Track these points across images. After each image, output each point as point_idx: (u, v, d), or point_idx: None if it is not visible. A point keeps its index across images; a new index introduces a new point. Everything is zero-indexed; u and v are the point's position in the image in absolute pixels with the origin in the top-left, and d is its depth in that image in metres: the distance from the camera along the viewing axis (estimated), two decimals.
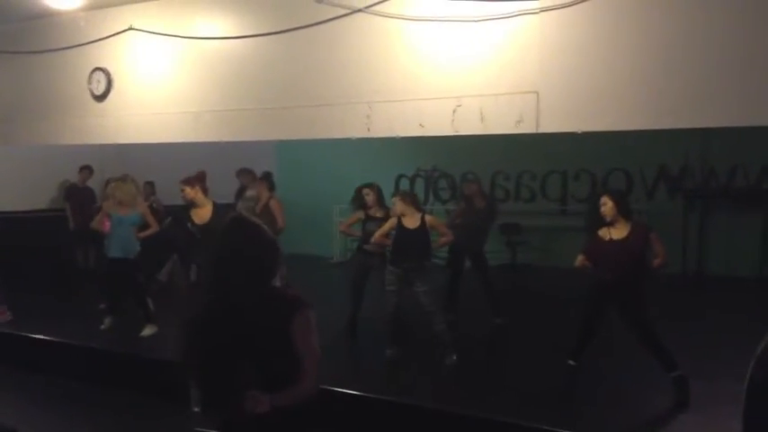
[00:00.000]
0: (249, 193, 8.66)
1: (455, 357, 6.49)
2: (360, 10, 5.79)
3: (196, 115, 6.86)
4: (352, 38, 5.91)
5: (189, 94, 6.92)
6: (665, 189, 11.96)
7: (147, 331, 7.64)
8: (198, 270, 6.72)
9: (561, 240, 11.92)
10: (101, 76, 7.49)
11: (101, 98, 7.53)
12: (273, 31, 6.28)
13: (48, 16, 7.68)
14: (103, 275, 8.26)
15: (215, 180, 7.66)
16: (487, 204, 8.52)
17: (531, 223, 12.51)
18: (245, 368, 2.66)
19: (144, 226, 7.78)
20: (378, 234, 6.89)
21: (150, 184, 10.57)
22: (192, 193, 6.80)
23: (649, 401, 5.52)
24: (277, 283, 3.00)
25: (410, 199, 6.77)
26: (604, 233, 5.63)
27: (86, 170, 10.76)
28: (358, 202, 7.58)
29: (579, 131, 5.03)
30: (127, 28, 7.25)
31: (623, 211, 5.58)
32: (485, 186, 12.38)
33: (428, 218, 6.71)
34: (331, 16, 5.94)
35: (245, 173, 9.43)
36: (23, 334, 7.72)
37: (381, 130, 5.85)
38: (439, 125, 5.54)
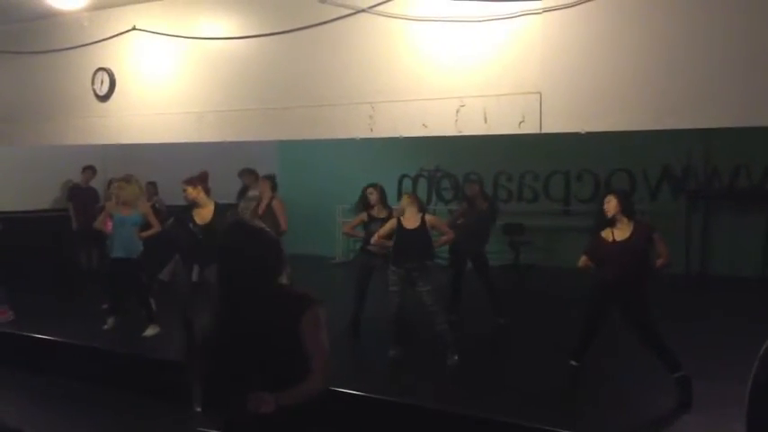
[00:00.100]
0: (251, 193, 8.68)
1: (457, 357, 6.49)
2: (363, 10, 5.79)
3: (199, 115, 6.86)
4: (356, 38, 5.91)
5: (192, 94, 6.93)
6: (669, 189, 11.95)
7: (150, 331, 7.65)
8: (200, 270, 6.71)
9: (564, 241, 11.92)
10: (104, 77, 7.49)
11: (104, 98, 7.53)
12: (277, 31, 6.28)
13: (51, 16, 7.69)
14: (106, 275, 8.28)
15: (218, 180, 7.67)
16: (489, 205, 8.52)
17: (533, 224, 12.50)
18: (253, 368, 2.67)
19: (146, 226, 7.79)
20: (377, 235, 6.90)
21: (153, 185, 10.58)
22: (194, 193, 6.80)
23: (652, 402, 5.51)
24: (284, 281, 3.00)
25: (417, 200, 6.79)
26: (607, 234, 5.63)
27: (89, 170, 10.78)
28: (363, 202, 7.61)
29: (582, 132, 5.03)
30: (130, 28, 7.25)
31: (627, 211, 5.58)
32: (487, 187, 12.41)
33: (428, 217, 6.71)
34: (334, 16, 5.94)
35: (247, 173, 9.44)
36: (26, 334, 7.73)
37: (384, 130, 5.85)
38: (442, 125, 5.54)
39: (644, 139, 10.06)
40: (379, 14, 5.72)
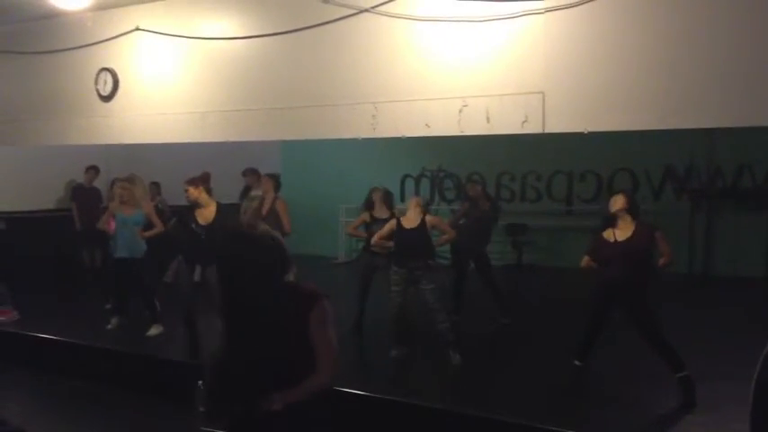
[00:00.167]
0: (254, 192, 8.68)
1: (459, 357, 6.49)
2: (366, 10, 5.80)
3: (202, 115, 6.87)
4: (358, 38, 5.91)
5: (195, 94, 6.93)
6: (672, 189, 11.94)
7: (153, 331, 7.67)
8: (202, 270, 6.72)
9: (567, 241, 11.92)
10: (107, 77, 7.51)
11: (107, 98, 7.55)
12: (280, 31, 6.29)
13: (54, 16, 7.70)
14: (109, 275, 8.30)
15: (221, 180, 7.67)
16: (491, 205, 8.52)
17: (536, 224, 12.51)
18: (261, 365, 2.68)
19: (149, 226, 7.80)
20: (377, 236, 6.93)
21: (156, 185, 10.59)
22: (196, 193, 6.81)
23: (655, 402, 5.51)
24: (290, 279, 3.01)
25: (421, 202, 6.81)
26: (609, 234, 5.63)
27: (93, 170, 10.78)
28: (368, 202, 7.65)
29: (585, 131, 5.03)
30: (133, 28, 7.26)
31: (632, 210, 5.57)
32: (490, 187, 12.43)
33: (429, 218, 6.71)
34: (337, 16, 5.95)
35: (250, 172, 9.45)
36: (30, 333, 7.74)
37: (387, 130, 5.86)
38: (445, 125, 5.54)
39: (647, 138, 10.05)
40: (381, 14, 5.73)
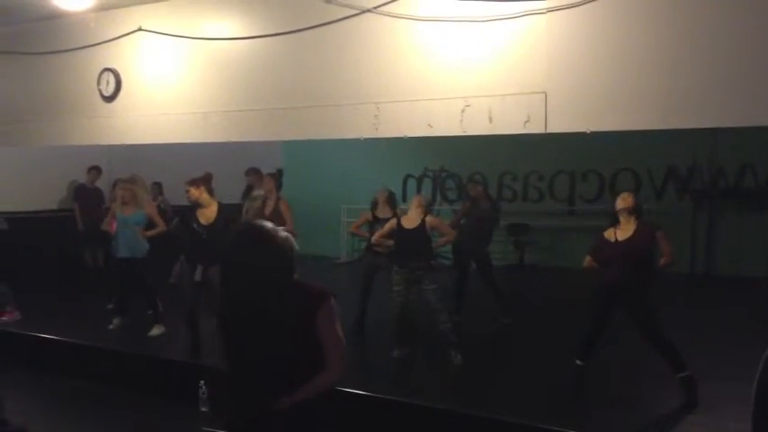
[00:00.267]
0: (256, 192, 8.68)
1: (460, 357, 6.49)
2: (368, 10, 5.80)
3: (205, 116, 6.88)
4: (361, 38, 5.92)
5: (197, 94, 6.94)
6: (674, 189, 11.93)
7: (155, 331, 7.68)
8: (203, 270, 6.73)
9: (569, 241, 11.92)
10: (110, 77, 7.52)
11: (110, 99, 7.56)
12: (282, 31, 6.30)
13: (57, 17, 7.71)
14: (111, 275, 8.31)
15: (223, 180, 7.68)
16: (492, 206, 8.51)
17: (538, 224, 12.51)
18: (270, 368, 2.68)
19: (150, 225, 7.82)
20: (377, 235, 6.97)
21: (158, 185, 10.60)
22: (197, 193, 6.82)
23: (657, 402, 5.51)
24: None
25: (424, 202, 6.80)
26: (610, 234, 5.63)
27: (95, 170, 10.79)
28: (374, 203, 7.68)
29: (587, 131, 5.02)
30: (136, 29, 7.27)
31: (636, 210, 5.56)
32: (492, 187, 12.43)
33: (429, 218, 6.69)
34: (339, 17, 5.95)
35: (252, 172, 9.45)
36: (32, 333, 7.75)
37: (389, 130, 5.86)
38: (447, 125, 5.54)
39: (649, 138, 10.04)
40: (384, 14, 5.73)
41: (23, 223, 10.39)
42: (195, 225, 6.80)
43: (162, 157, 10.21)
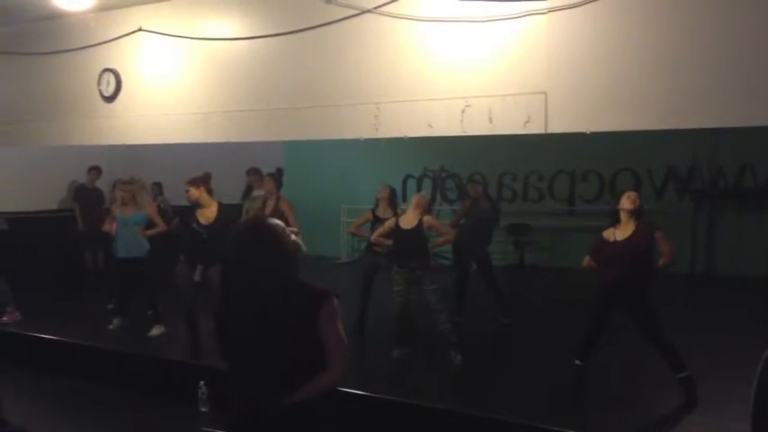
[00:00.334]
0: (256, 192, 8.68)
1: (460, 357, 6.49)
2: (368, 10, 5.81)
3: (205, 116, 6.88)
4: (361, 38, 5.92)
5: (198, 94, 6.95)
6: (674, 189, 11.93)
7: (155, 331, 7.69)
8: (203, 270, 6.74)
9: (569, 241, 11.92)
10: (110, 77, 7.52)
11: (110, 99, 7.56)
12: (282, 31, 6.30)
13: (57, 17, 7.72)
14: (111, 276, 8.32)
15: (223, 180, 7.68)
16: (492, 206, 8.51)
17: (538, 224, 12.51)
18: (269, 367, 2.68)
19: (150, 226, 7.83)
20: (375, 234, 6.98)
21: (158, 185, 10.60)
22: (197, 193, 6.82)
23: (656, 402, 5.51)
24: None
25: (423, 201, 6.78)
26: (609, 234, 5.63)
27: (95, 171, 10.79)
28: (376, 202, 7.69)
29: (587, 131, 5.03)
30: (136, 29, 7.28)
31: (639, 212, 5.55)
32: (492, 187, 12.43)
33: (426, 218, 6.67)
34: (340, 17, 5.96)
35: (252, 172, 9.45)
36: (31, 334, 7.76)
37: (389, 130, 5.86)
38: (447, 125, 5.55)
39: (649, 138, 10.04)
40: (384, 15, 5.73)
41: (24, 223, 10.39)
42: (195, 225, 6.81)
43: (162, 157, 10.22)
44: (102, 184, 10.92)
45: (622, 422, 5.20)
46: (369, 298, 7.56)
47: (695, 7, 4.63)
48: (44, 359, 7.44)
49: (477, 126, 5.41)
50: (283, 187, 7.94)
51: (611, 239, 5.58)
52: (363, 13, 5.84)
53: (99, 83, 7.59)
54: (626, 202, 5.54)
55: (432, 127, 5.63)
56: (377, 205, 7.64)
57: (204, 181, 6.93)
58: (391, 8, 5.70)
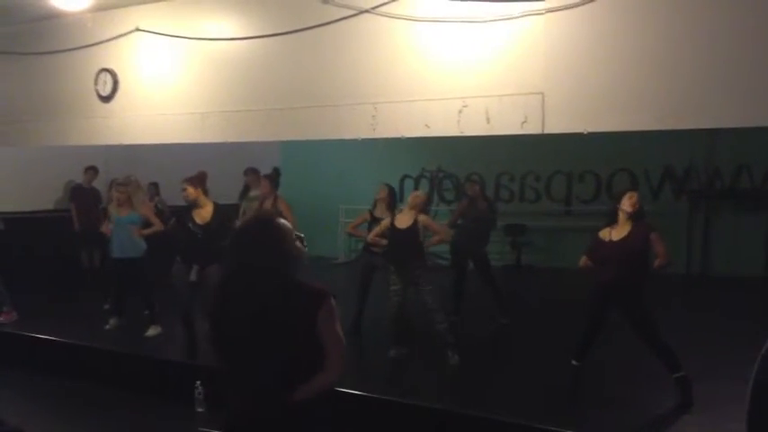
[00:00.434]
0: (253, 192, 8.67)
1: (457, 357, 6.50)
2: (366, 11, 5.81)
3: (202, 116, 6.88)
4: (359, 39, 5.92)
5: (195, 94, 6.94)
6: (670, 189, 11.95)
7: (151, 332, 7.68)
8: (199, 270, 6.74)
9: (565, 241, 11.92)
10: (107, 77, 7.51)
11: (107, 99, 7.55)
12: (280, 32, 6.30)
13: (54, 17, 7.70)
14: (107, 276, 8.32)
15: (221, 181, 7.67)
16: (488, 206, 8.50)
17: (535, 224, 12.52)
18: (267, 367, 2.68)
19: (146, 225, 7.82)
20: (371, 234, 6.98)
21: (155, 185, 10.59)
22: (195, 193, 6.83)
23: (652, 402, 5.52)
24: None
25: (419, 200, 6.77)
26: (605, 234, 5.64)
27: (91, 171, 10.77)
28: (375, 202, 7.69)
29: (585, 132, 5.03)
30: (133, 29, 7.27)
31: (638, 215, 5.55)
32: (489, 187, 12.43)
33: (421, 217, 6.66)
34: (337, 17, 5.95)
35: (250, 172, 9.44)
36: (28, 334, 7.74)
37: (387, 130, 5.86)
38: (445, 126, 5.55)
39: (646, 139, 10.06)
40: (381, 15, 5.74)
41: (20, 223, 10.37)
42: (190, 225, 6.80)
43: (159, 157, 10.20)
44: (99, 184, 10.91)
45: (619, 422, 5.21)
46: (366, 298, 7.57)
47: (693, 8, 4.64)
48: (40, 359, 7.43)
49: (475, 126, 5.41)
50: (280, 187, 7.93)
51: (607, 239, 5.59)
52: (361, 13, 5.84)
53: (96, 83, 7.58)
54: (626, 204, 5.53)
55: (429, 127, 5.63)
56: (375, 206, 7.64)
57: (200, 180, 6.94)
58: (388, 8, 5.70)
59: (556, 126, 5.12)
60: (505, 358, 7.18)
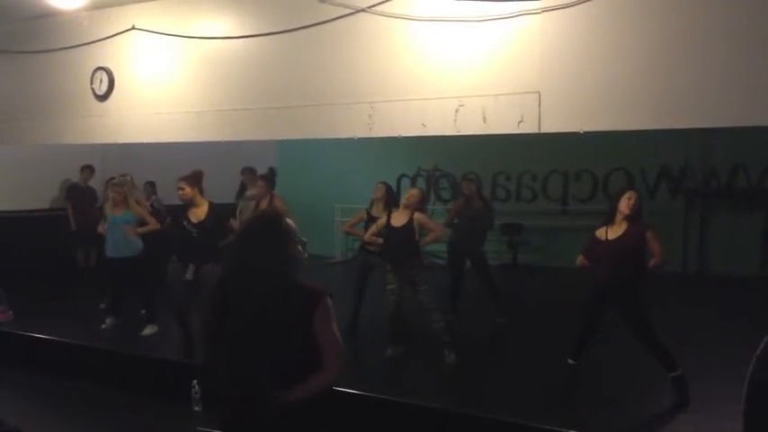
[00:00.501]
0: (249, 192, 8.67)
1: (454, 356, 6.50)
2: (362, 10, 5.80)
3: (198, 115, 6.87)
4: (355, 38, 5.91)
5: (191, 93, 6.93)
6: (667, 189, 11.96)
7: (148, 331, 7.67)
8: (195, 269, 6.73)
9: (562, 240, 11.93)
10: (103, 76, 7.50)
11: (103, 97, 7.54)
12: (276, 30, 6.29)
13: (51, 16, 7.69)
14: (103, 275, 8.31)
15: (217, 180, 7.66)
16: (484, 205, 8.50)
17: (532, 223, 12.53)
18: (264, 366, 2.68)
19: (141, 224, 7.81)
20: (368, 233, 6.99)
21: (151, 184, 10.57)
22: (192, 192, 6.82)
23: (649, 401, 5.53)
24: None
25: (415, 199, 6.75)
26: (601, 233, 5.64)
27: (88, 169, 10.76)
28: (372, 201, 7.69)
29: (581, 131, 5.03)
30: (129, 28, 7.26)
31: (635, 217, 5.54)
32: (486, 186, 12.43)
33: (417, 215, 6.65)
34: (333, 16, 5.95)
35: (247, 171, 9.45)
36: (25, 333, 7.73)
37: (383, 129, 5.86)
38: (441, 125, 5.55)
39: (642, 138, 10.06)
40: (378, 14, 5.73)
41: (16, 222, 10.35)
42: (185, 223, 6.80)
43: (155, 156, 10.18)
44: (95, 182, 10.89)
45: (615, 421, 5.22)
46: (363, 297, 7.57)
47: (689, 7, 4.65)
48: (37, 359, 7.41)
49: (471, 125, 5.41)
50: (277, 187, 7.93)
51: (604, 239, 5.59)
52: (357, 12, 5.84)
53: (92, 81, 7.56)
54: (624, 205, 5.52)
55: (425, 126, 5.63)
56: (372, 205, 7.64)
57: (197, 179, 6.93)
58: (385, 7, 5.69)
59: (552, 125, 5.12)
60: (502, 357, 7.18)
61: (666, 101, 4.73)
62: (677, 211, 11.60)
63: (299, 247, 2.88)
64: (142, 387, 6.52)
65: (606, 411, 5.37)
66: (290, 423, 2.70)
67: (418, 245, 6.69)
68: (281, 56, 6.34)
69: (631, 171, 11.97)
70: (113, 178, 8.48)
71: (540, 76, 5.11)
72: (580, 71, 4.98)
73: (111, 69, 7.46)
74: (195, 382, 5.81)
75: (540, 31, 5.10)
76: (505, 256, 12.54)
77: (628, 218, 5.50)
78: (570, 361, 5.83)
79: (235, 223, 7.11)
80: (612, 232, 5.56)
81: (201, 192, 6.92)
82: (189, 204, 6.83)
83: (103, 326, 7.83)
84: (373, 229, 6.95)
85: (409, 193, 6.90)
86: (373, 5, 5.74)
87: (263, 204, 7.68)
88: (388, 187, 7.67)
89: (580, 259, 5.76)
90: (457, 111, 5.43)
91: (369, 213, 7.57)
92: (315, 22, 6.04)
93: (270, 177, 7.92)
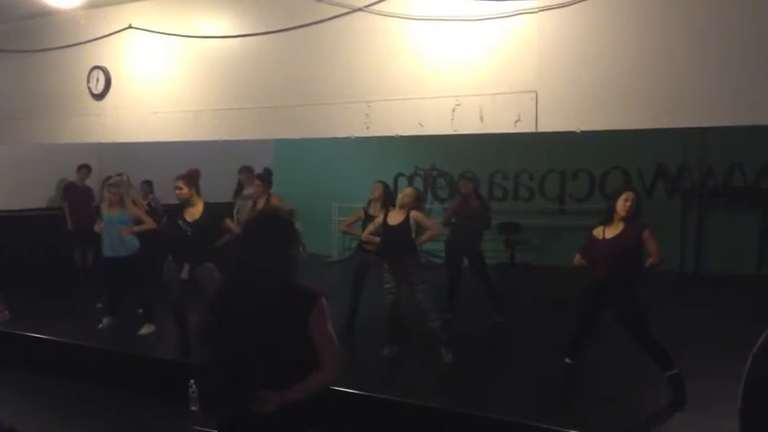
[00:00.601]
0: (247, 191, 8.67)
1: (451, 355, 6.50)
2: (359, 9, 5.80)
3: (195, 114, 6.86)
4: (352, 37, 5.91)
5: (188, 92, 6.92)
6: (663, 188, 11.98)
7: (145, 330, 7.66)
8: (190, 268, 6.73)
9: (559, 239, 11.94)
10: (100, 75, 7.48)
11: (99, 97, 7.52)
12: (273, 29, 6.28)
13: (47, 15, 7.67)
14: (99, 275, 8.30)
15: (213, 179, 7.65)
16: (482, 204, 8.50)
17: (529, 222, 12.54)
18: (262, 367, 2.68)
19: (138, 224, 7.80)
20: (365, 232, 6.99)
21: (148, 183, 10.56)
22: (189, 192, 6.82)
23: (645, 400, 5.54)
24: None
25: (411, 197, 6.74)
26: (598, 232, 5.65)
27: (84, 169, 10.73)
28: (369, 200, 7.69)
29: (578, 130, 5.03)
30: (126, 26, 7.24)
31: (633, 218, 5.54)
32: (483, 186, 12.44)
33: (413, 214, 6.65)
34: (330, 15, 5.94)
35: (244, 170, 9.44)
36: (21, 333, 7.71)
37: (380, 128, 5.85)
38: (438, 124, 5.54)
39: (639, 137, 10.08)
40: (375, 13, 5.72)
41: (12, 222, 10.33)
42: (181, 222, 6.80)
43: (152, 155, 10.16)
44: (92, 182, 10.86)
45: (612, 420, 5.22)
46: (360, 296, 7.57)
47: (686, 6, 4.64)
48: (34, 358, 7.40)
49: (468, 125, 5.40)
50: (273, 186, 7.92)
51: (600, 238, 5.60)
52: (354, 11, 5.83)
53: (88, 80, 7.54)
54: (620, 207, 5.52)
55: (422, 125, 5.62)
56: (369, 204, 7.64)
57: (194, 178, 6.93)
58: (382, 7, 5.69)
59: (549, 124, 5.12)
60: (500, 356, 7.19)
61: (663, 100, 4.73)
62: (674, 210, 11.61)
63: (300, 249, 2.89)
64: (139, 386, 6.52)
65: (603, 410, 5.37)
66: (288, 423, 2.70)
67: (415, 244, 6.68)
68: (278, 55, 6.34)
69: (628, 170, 11.99)
70: (110, 177, 8.48)
71: (537, 75, 5.11)
72: (577, 70, 4.98)
73: (108, 68, 7.44)
74: (192, 381, 5.81)
75: (537, 31, 5.10)
76: (503, 255, 12.54)
77: (625, 218, 5.51)
78: (567, 360, 5.84)
79: (230, 222, 7.12)
80: (609, 231, 5.57)
81: (198, 191, 6.92)
82: (185, 203, 6.83)
83: (100, 325, 7.83)
84: (370, 228, 6.95)
85: (404, 193, 6.90)
86: (370, 5, 5.73)
87: (260, 204, 7.68)
88: (386, 186, 7.67)
89: (577, 258, 5.77)
90: (454, 110, 5.43)
91: (366, 212, 7.58)
92: (311, 21, 6.03)
93: (266, 177, 7.93)
